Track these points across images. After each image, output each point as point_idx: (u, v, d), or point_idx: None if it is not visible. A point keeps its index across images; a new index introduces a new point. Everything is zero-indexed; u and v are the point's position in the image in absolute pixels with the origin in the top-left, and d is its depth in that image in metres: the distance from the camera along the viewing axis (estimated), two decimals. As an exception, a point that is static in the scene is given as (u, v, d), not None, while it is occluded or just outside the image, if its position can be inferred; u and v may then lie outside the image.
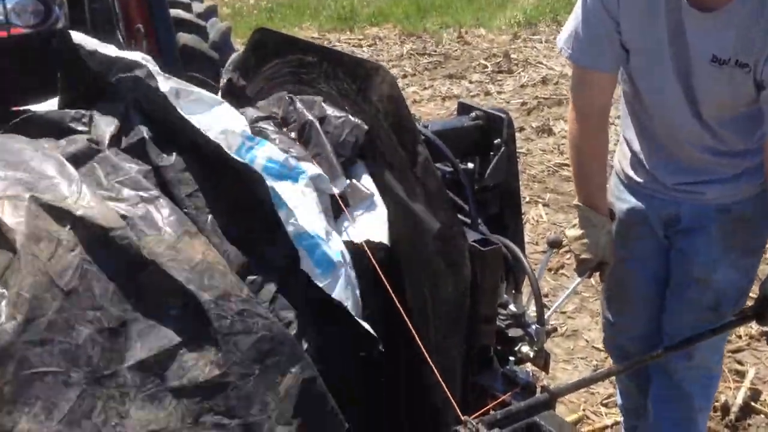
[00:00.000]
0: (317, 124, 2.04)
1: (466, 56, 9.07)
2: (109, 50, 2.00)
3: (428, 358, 1.79)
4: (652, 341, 2.57)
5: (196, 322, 1.61)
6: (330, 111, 2.06)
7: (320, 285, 1.82)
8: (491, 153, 2.51)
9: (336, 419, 1.69)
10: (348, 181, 1.98)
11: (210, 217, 1.80)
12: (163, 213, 1.71)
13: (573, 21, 2.26)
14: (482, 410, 1.78)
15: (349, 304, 1.85)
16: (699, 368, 2.47)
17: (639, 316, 2.61)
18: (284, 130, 2.09)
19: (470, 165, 2.48)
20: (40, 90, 2.33)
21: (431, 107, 7.45)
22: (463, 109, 2.60)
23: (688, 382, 2.47)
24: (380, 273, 1.86)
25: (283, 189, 1.85)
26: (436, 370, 1.76)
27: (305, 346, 1.77)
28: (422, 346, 1.77)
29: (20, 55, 3.35)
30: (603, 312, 2.77)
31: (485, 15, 10.79)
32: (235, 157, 1.83)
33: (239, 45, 5.55)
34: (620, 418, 3.19)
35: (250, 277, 1.78)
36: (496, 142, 2.49)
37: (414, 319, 1.99)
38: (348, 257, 1.88)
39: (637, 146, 2.45)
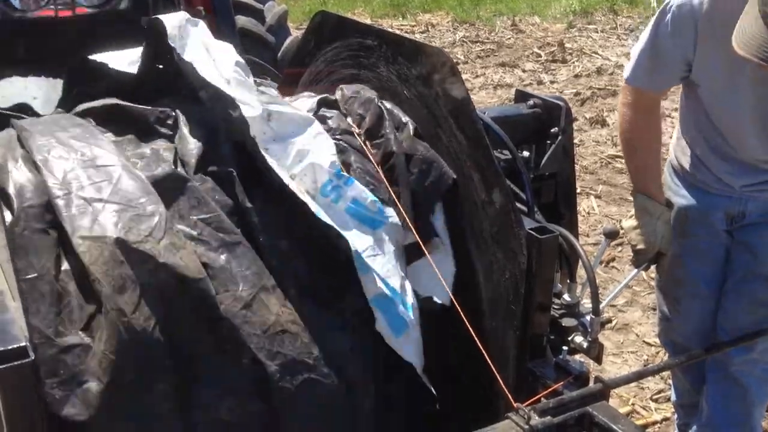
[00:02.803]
0: (403, 161, 1.96)
1: (519, 44, 8.96)
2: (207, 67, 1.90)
3: (480, 346, 1.79)
4: (707, 337, 2.53)
5: (263, 385, 1.64)
6: (420, 147, 1.98)
7: (393, 347, 1.83)
8: (548, 141, 2.49)
9: None
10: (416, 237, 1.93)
11: (288, 269, 1.77)
12: (243, 263, 1.69)
13: (641, 48, 2.27)
14: (534, 398, 1.79)
15: (416, 364, 1.87)
16: (757, 362, 2.42)
17: (694, 311, 2.56)
18: (368, 146, 2.01)
19: (526, 153, 2.47)
20: None
21: (483, 95, 7.39)
22: (521, 96, 2.59)
23: (746, 375, 2.42)
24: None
25: (361, 236, 1.82)
26: (488, 358, 1.76)
27: (366, 403, 1.80)
28: (474, 334, 1.78)
29: (84, 34, 3.43)
30: (658, 306, 2.73)
31: (540, 3, 10.64)
32: (320, 217, 1.78)
33: (293, 30, 5.59)
34: (670, 414, 3.15)
35: (322, 336, 1.76)
36: (553, 130, 2.48)
37: (466, 305, 2.00)
38: (418, 314, 1.87)
39: (701, 153, 2.40)
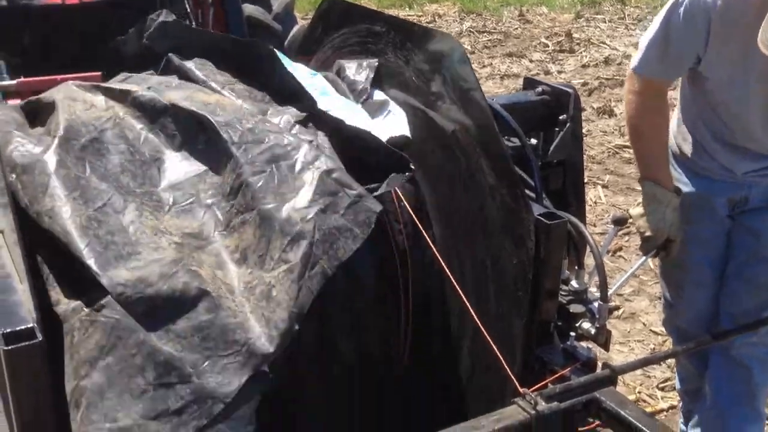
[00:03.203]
0: None
1: (526, 35, 8.92)
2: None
3: (485, 331, 1.79)
4: (711, 322, 2.53)
5: (218, 150, 1.76)
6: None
7: None
8: (556, 129, 2.48)
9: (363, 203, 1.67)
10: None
11: (223, 78, 2.05)
12: (175, 83, 1.99)
13: (651, 39, 2.26)
14: (541, 384, 1.78)
15: None
16: (757, 344, 2.42)
17: (698, 297, 2.56)
18: None
19: (534, 141, 2.46)
20: (98, 59, 2.39)
21: (490, 85, 7.37)
22: (529, 83, 2.57)
23: (748, 357, 2.42)
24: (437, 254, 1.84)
25: None
26: (493, 344, 1.75)
27: None
28: (478, 320, 1.77)
29: (91, 23, 3.42)
30: (662, 294, 2.73)
31: (547, -7, 10.59)
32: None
33: (300, 19, 5.56)
34: (676, 402, 3.15)
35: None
36: (561, 117, 2.46)
37: (472, 291, 2.00)
38: None
39: (703, 140, 2.40)
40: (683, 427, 2.81)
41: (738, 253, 2.44)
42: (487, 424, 1.53)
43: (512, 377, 1.70)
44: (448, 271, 1.89)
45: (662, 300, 2.77)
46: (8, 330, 1.30)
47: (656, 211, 2.29)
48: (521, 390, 1.61)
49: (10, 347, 1.28)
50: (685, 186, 2.46)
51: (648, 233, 2.30)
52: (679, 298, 2.62)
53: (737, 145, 2.33)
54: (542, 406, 1.57)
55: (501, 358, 1.74)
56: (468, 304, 1.80)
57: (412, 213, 1.95)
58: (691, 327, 2.60)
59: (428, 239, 1.92)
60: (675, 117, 2.53)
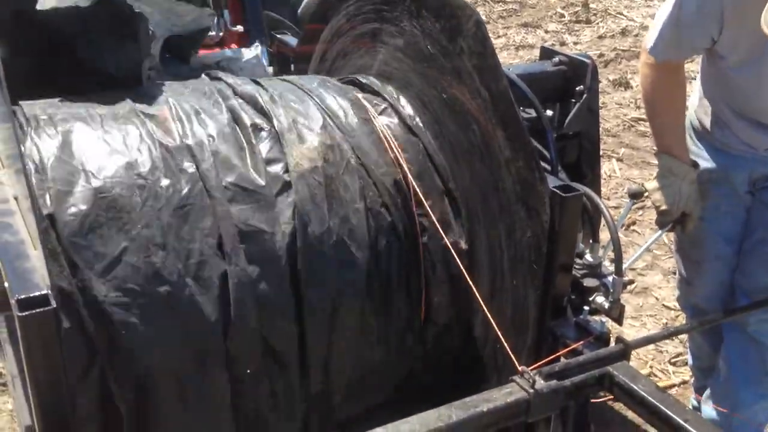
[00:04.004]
0: None
1: (542, 5, 8.79)
2: None
3: (484, 307, 1.77)
4: (726, 299, 2.51)
5: None
6: None
7: None
8: (573, 100, 2.45)
9: None
10: None
11: None
12: None
13: (664, 21, 2.22)
14: (542, 362, 1.77)
15: None
16: None
17: (713, 274, 2.54)
18: None
19: (549, 112, 2.43)
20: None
21: (504, 56, 7.28)
22: (546, 54, 2.54)
23: (763, 334, 2.40)
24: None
25: None
26: (493, 321, 1.73)
27: None
28: (479, 297, 1.75)
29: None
30: (678, 269, 2.71)
31: (564, -38, 10.42)
32: None
33: (314, -14, 5.49)
34: (688, 378, 3.15)
35: None
36: (578, 89, 2.43)
37: (485, 263, 1.99)
38: None
39: (723, 116, 2.36)
40: (695, 403, 2.81)
41: (755, 229, 2.41)
42: (484, 402, 1.50)
43: (511, 355, 1.67)
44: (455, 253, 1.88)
45: (677, 276, 2.75)
46: (23, 296, 1.31)
47: (672, 185, 2.27)
48: (519, 368, 1.58)
49: (25, 313, 1.28)
50: (706, 161, 2.42)
51: (664, 207, 2.28)
52: (695, 274, 2.60)
53: (758, 120, 2.29)
54: (540, 384, 1.54)
55: (501, 336, 1.72)
56: (472, 283, 1.78)
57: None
58: (706, 303, 2.58)
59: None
60: (696, 91, 2.49)
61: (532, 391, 1.53)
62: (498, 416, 1.50)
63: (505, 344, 1.71)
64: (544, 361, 1.68)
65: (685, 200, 2.26)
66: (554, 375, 1.59)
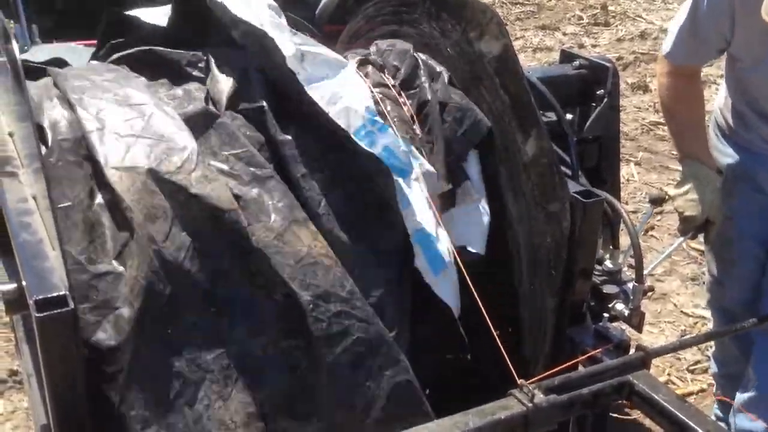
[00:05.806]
0: (437, 110, 1.93)
1: (560, 7, 8.75)
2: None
3: (485, 313, 1.72)
4: (758, 303, 2.43)
5: (294, 314, 1.61)
6: (454, 95, 1.95)
7: (432, 285, 1.78)
8: (593, 104, 2.43)
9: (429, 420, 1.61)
10: (450, 185, 1.90)
11: (324, 201, 1.74)
12: (274, 196, 1.67)
13: (680, 25, 2.22)
14: (570, 363, 1.75)
15: (453, 305, 1.83)
16: None
17: (745, 276, 2.47)
18: (403, 96, 1.99)
19: (569, 116, 2.41)
20: None
21: (522, 58, 7.24)
22: (566, 57, 2.52)
23: None
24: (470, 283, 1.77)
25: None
26: (494, 331, 1.69)
27: (400, 340, 1.73)
28: (480, 306, 1.71)
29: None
30: (709, 272, 2.64)
31: (583, -36, 10.37)
32: (361, 144, 1.76)
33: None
34: (707, 386, 3.10)
35: (358, 269, 1.72)
36: (599, 92, 2.41)
37: (502, 269, 1.97)
38: (453, 259, 1.83)
39: (747, 115, 2.34)
40: (719, 413, 2.74)
41: None
42: (481, 415, 1.46)
43: (511, 368, 1.62)
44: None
45: (708, 277, 2.66)
46: (41, 297, 1.30)
47: (697, 191, 2.23)
48: (519, 381, 1.52)
49: (42, 314, 1.27)
50: (730, 159, 2.39)
51: (687, 213, 2.24)
52: (728, 275, 2.52)
53: None
54: (540, 398, 1.48)
55: (501, 347, 1.68)
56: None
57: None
58: (738, 307, 2.51)
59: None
60: (722, 89, 2.47)
61: (530, 405, 1.47)
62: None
63: (505, 356, 1.66)
64: (562, 366, 1.65)
65: (709, 207, 2.23)
66: (554, 389, 1.52)
